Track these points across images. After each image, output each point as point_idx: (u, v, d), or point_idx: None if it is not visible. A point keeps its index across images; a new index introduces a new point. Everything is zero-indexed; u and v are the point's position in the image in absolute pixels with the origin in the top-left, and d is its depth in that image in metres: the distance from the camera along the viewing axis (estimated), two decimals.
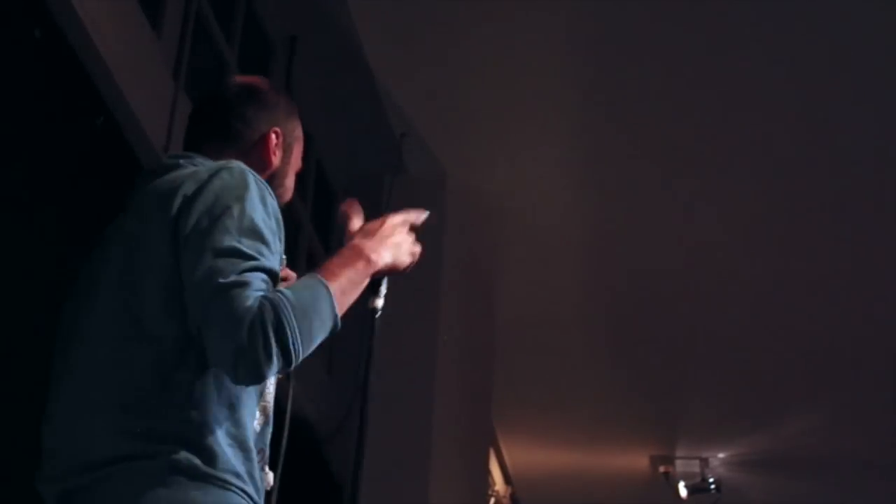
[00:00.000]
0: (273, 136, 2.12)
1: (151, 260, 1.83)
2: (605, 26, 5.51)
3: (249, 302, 1.70)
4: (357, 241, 2.01)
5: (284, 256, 1.94)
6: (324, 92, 6.03)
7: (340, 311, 1.85)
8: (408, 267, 2.07)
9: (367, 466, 7.23)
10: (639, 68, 5.75)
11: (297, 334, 1.72)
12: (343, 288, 1.87)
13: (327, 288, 1.82)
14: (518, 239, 7.14)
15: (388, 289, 2.05)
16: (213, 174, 1.87)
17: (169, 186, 1.90)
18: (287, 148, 2.16)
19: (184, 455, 1.71)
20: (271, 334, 1.69)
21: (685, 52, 5.63)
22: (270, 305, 1.71)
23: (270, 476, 1.93)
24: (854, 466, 9.54)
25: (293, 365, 1.76)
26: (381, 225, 2.07)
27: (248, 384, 1.79)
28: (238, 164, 1.91)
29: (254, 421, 1.84)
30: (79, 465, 1.76)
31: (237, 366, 1.69)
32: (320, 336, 1.80)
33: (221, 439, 1.75)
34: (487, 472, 8.49)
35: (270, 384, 1.92)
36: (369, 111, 6.07)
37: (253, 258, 1.76)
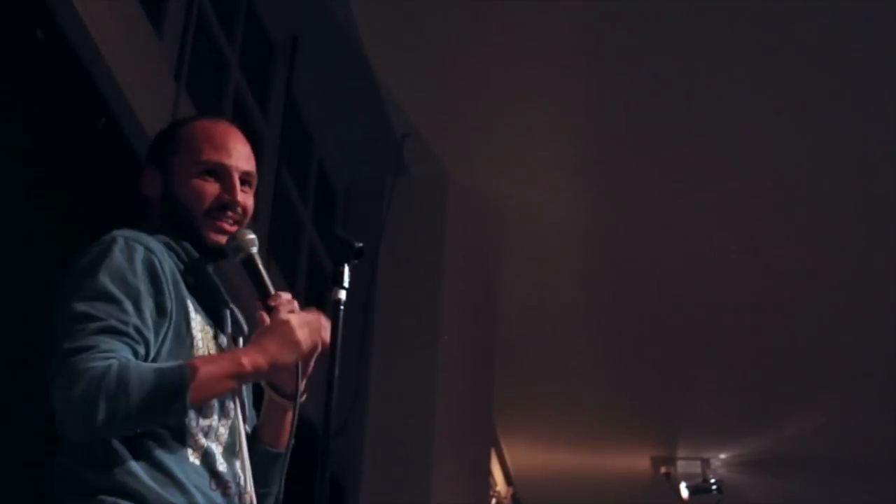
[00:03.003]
0: (142, 176, 2.21)
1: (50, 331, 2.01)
2: (607, 29, 5.51)
3: (88, 365, 1.83)
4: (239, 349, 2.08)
5: (170, 302, 2.01)
6: (325, 93, 6.03)
7: (199, 399, 1.92)
8: (309, 353, 2.03)
9: (369, 467, 7.19)
10: (641, 70, 5.75)
11: (128, 408, 1.83)
12: (201, 381, 1.91)
13: (182, 378, 1.88)
14: (519, 240, 7.14)
15: (351, 281, 2.03)
16: (88, 248, 2.01)
17: None
18: (166, 170, 2.18)
19: (110, 500, 1.87)
20: (105, 401, 1.81)
21: (687, 55, 5.62)
22: (116, 375, 1.82)
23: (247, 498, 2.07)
24: (855, 467, 9.54)
25: (107, 434, 1.87)
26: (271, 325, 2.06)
27: (74, 440, 1.90)
28: (111, 235, 2.02)
29: (185, 459, 1.96)
30: None
31: (64, 421, 1.84)
32: (150, 415, 1.88)
33: (146, 480, 1.90)
34: (489, 473, 8.48)
35: (197, 423, 2.01)
36: (371, 112, 6.07)
37: (102, 320, 1.88)
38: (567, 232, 7.04)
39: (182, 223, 2.12)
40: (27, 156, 3.38)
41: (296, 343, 2.00)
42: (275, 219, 5.43)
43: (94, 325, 1.87)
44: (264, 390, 2.15)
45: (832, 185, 6.49)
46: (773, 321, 7.79)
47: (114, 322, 1.89)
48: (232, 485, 2.03)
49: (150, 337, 1.95)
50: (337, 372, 1.98)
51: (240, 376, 1.98)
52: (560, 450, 10.03)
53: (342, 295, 2.01)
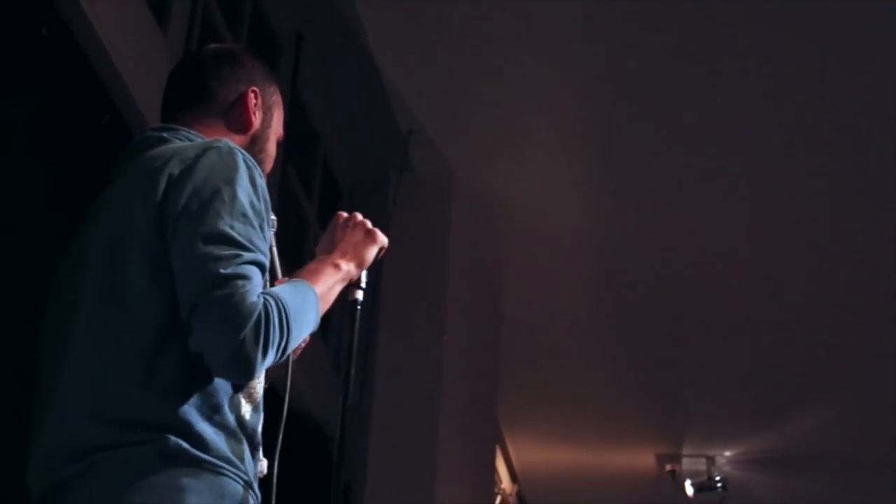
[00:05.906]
0: (251, 95, 2.06)
1: (136, 241, 1.78)
2: (613, 26, 5.50)
3: (253, 299, 1.69)
4: (323, 256, 2.04)
5: (274, 217, 1.93)
6: (330, 90, 6.03)
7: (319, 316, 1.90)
8: (380, 253, 2.09)
9: (375, 464, 7.18)
10: (648, 68, 5.74)
11: (290, 339, 1.76)
12: (323, 295, 1.91)
13: (316, 295, 1.87)
14: (524, 237, 7.14)
15: (369, 282, 2.07)
16: (201, 153, 1.83)
17: (154, 164, 1.85)
18: (267, 110, 2.09)
19: (174, 441, 1.68)
20: (275, 338, 1.70)
21: (696, 52, 5.62)
22: (276, 307, 1.72)
23: (264, 463, 1.88)
24: (860, 464, 9.53)
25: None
26: (334, 231, 2.10)
27: (235, 381, 1.76)
28: (226, 143, 1.86)
29: (240, 408, 1.79)
30: (63, 455, 1.73)
31: (231, 363, 1.69)
32: (302, 339, 1.85)
33: (207, 425, 1.72)
34: (493, 471, 8.48)
35: None
36: (376, 109, 6.07)
37: (248, 249, 1.74)
38: (571, 229, 7.04)
39: None
40: (31, 152, 3.39)
41: (372, 233, 2.06)
42: (280, 215, 5.43)
43: (246, 255, 1.72)
44: None
45: (836, 185, 6.48)
46: (777, 319, 7.78)
47: (259, 256, 1.75)
48: (259, 445, 1.87)
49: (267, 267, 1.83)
50: (353, 371, 2.00)
51: (342, 282, 1.98)
52: (565, 447, 10.03)
53: (359, 296, 2.05)
